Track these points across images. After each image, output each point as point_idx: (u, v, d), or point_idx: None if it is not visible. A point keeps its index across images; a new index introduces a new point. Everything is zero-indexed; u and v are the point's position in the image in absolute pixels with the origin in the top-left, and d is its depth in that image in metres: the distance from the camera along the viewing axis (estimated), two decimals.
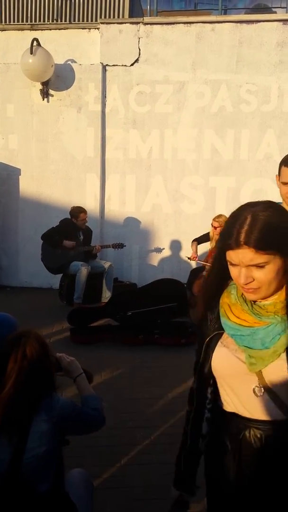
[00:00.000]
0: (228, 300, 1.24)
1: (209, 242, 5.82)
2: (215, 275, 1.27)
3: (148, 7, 7.02)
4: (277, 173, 2.07)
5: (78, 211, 5.77)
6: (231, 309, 1.22)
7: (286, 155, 2.02)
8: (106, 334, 4.62)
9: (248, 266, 1.12)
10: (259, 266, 1.11)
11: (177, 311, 4.75)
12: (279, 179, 2.05)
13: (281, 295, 1.18)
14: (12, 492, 1.55)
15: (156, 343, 4.50)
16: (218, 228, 5.59)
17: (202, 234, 5.86)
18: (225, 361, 1.23)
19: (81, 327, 4.63)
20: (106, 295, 5.75)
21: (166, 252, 6.67)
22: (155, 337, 4.52)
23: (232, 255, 1.13)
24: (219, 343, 1.25)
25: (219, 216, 5.66)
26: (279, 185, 2.05)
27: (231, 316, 1.21)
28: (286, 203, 2.04)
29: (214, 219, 5.63)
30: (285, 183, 1.99)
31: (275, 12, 8.94)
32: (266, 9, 8.60)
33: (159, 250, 6.66)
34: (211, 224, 5.66)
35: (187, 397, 1.39)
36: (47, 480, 1.62)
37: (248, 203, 1.17)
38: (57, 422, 1.63)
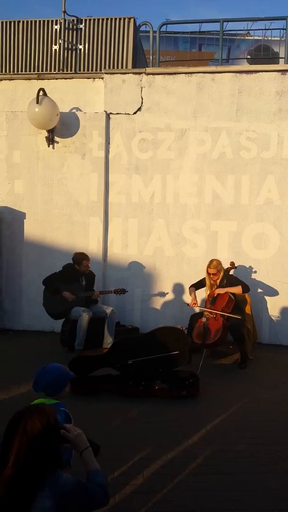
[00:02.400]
0: None
1: (204, 288, 5.83)
2: None
3: (151, 57, 7.26)
4: None
5: (81, 258, 5.81)
6: None
7: None
8: (106, 385, 4.58)
9: None
10: None
11: (179, 360, 4.72)
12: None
13: None
14: None
15: (156, 395, 4.45)
16: (212, 275, 5.61)
17: (198, 280, 5.89)
18: None
19: (80, 378, 4.59)
20: (108, 340, 5.72)
21: (169, 296, 6.68)
22: (156, 388, 4.48)
23: None
24: None
25: (211, 261, 5.67)
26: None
27: None
28: None
29: (208, 266, 5.65)
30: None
31: (277, 52, 9.21)
32: (266, 58, 8.87)
33: (161, 294, 6.67)
34: (206, 270, 5.68)
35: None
36: None
37: None
38: (60, 498, 1.65)
